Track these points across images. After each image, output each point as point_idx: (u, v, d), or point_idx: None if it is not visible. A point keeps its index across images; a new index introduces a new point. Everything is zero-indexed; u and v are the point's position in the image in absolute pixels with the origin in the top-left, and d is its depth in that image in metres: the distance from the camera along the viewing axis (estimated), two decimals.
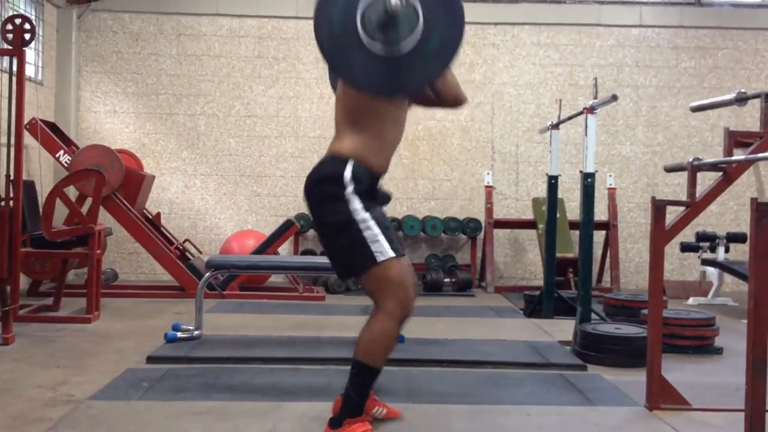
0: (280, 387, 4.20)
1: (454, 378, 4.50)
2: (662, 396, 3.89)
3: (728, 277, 8.29)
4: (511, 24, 9.57)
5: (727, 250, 7.89)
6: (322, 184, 3.20)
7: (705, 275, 8.24)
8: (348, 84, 3.14)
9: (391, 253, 3.14)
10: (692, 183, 4.15)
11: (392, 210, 9.16)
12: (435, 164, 9.45)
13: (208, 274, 5.66)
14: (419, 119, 9.40)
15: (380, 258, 3.12)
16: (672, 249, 8.21)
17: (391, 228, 3.28)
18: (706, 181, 4.52)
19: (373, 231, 3.13)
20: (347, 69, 3.04)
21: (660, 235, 3.95)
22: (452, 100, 3.45)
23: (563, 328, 5.98)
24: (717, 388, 4.44)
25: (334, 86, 3.50)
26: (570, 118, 6.55)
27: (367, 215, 3.13)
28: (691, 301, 8.08)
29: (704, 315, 5.67)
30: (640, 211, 9.53)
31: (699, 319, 5.53)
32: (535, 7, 9.61)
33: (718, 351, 5.43)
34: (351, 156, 3.17)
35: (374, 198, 3.24)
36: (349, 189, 3.13)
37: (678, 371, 4.58)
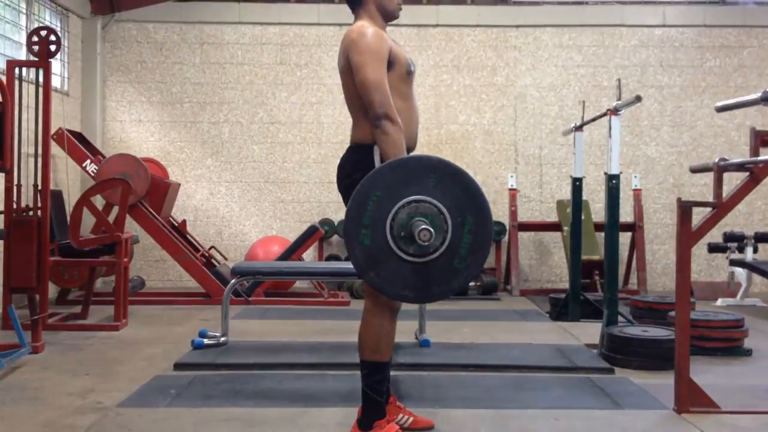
0: (306, 393, 4.21)
1: (480, 382, 4.49)
2: (691, 399, 3.86)
3: (757, 278, 8.20)
4: (533, 26, 9.53)
5: (755, 251, 7.80)
6: (354, 173, 3.21)
7: (733, 276, 8.15)
8: (387, 297, 3.10)
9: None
10: (718, 183, 4.11)
11: None
12: None
13: (233, 280, 5.69)
14: (441, 123, 9.40)
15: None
16: (699, 250, 8.13)
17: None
18: (733, 180, 4.48)
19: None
20: (385, 282, 2.98)
21: (687, 236, 3.92)
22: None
23: (590, 331, 5.94)
24: (746, 390, 4.39)
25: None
26: (594, 119, 6.51)
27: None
28: (719, 302, 7.99)
29: (733, 316, 5.60)
30: (666, 212, 9.45)
31: (727, 320, 5.47)
32: (557, 9, 9.58)
33: (748, 352, 5.37)
34: (372, 143, 3.22)
35: None
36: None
37: (707, 374, 4.54)
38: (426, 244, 2.87)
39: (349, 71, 3.27)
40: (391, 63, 3.28)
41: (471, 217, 2.96)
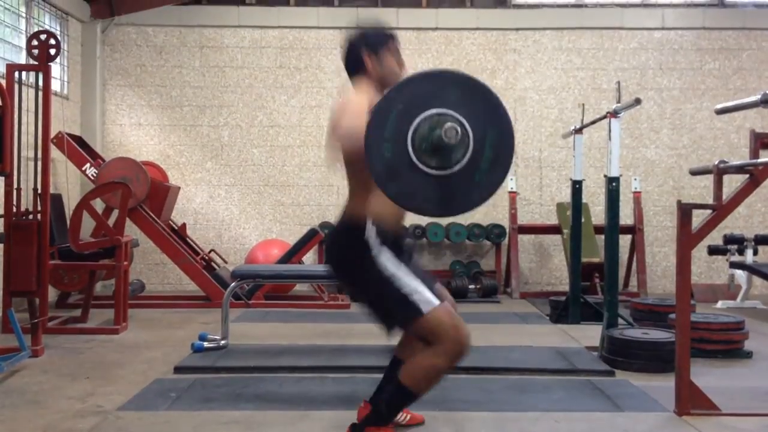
0: (306, 396, 4.21)
1: (481, 385, 4.49)
2: (692, 401, 3.85)
3: (757, 280, 8.19)
4: (532, 29, 9.54)
5: (755, 253, 7.79)
6: (347, 250, 3.16)
7: (733, 278, 8.15)
8: (407, 209, 3.06)
9: (435, 302, 3.05)
10: (718, 186, 4.11)
11: (416, 218, 9.15)
12: None
13: (233, 283, 5.69)
14: None
15: (425, 308, 3.02)
16: (699, 252, 8.13)
17: (429, 278, 3.20)
18: (732, 183, 4.48)
19: (410, 284, 3.05)
20: (405, 196, 2.92)
21: (687, 238, 3.92)
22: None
23: (590, 334, 5.94)
24: (747, 392, 4.39)
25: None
26: (593, 122, 6.52)
27: (400, 269, 3.07)
28: (719, 304, 7.99)
29: (733, 318, 5.60)
30: (666, 214, 9.45)
31: (728, 322, 5.47)
32: (556, 12, 9.59)
33: (748, 355, 5.37)
34: (369, 217, 3.13)
35: (402, 252, 3.18)
36: (375, 249, 3.08)
37: (707, 376, 4.54)
38: (453, 143, 2.79)
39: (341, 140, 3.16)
40: None
41: (493, 132, 2.89)
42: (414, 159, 2.85)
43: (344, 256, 3.19)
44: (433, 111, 2.84)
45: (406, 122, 2.84)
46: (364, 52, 3.30)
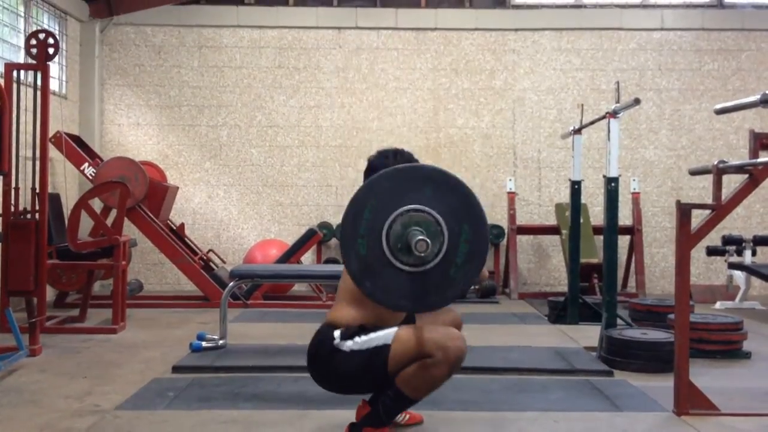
0: (305, 395, 4.20)
1: (479, 385, 4.48)
2: (690, 401, 3.85)
3: (755, 281, 8.20)
4: (531, 30, 9.54)
5: (754, 254, 7.80)
6: (317, 353, 3.26)
7: (732, 279, 8.15)
8: (382, 306, 3.10)
9: (394, 329, 3.14)
10: (717, 186, 4.11)
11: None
12: (457, 171, 9.34)
13: (231, 283, 5.68)
14: (440, 127, 9.40)
15: (389, 338, 3.11)
16: (698, 253, 8.12)
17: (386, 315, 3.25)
18: (731, 183, 4.47)
19: (368, 337, 3.14)
20: (380, 292, 3.00)
21: (685, 239, 3.91)
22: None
23: (589, 334, 5.94)
24: (746, 392, 4.39)
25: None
26: (592, 122, 6.52)
27: (356, 339, 3.15)
28: (718, 305, 7.98)
29: (732, 319, 5.60)
30: (664, 215, 9.45)
31: (726, 323, 5.47)
32: (555, 12, 9.59)
33: (747, 355, 5.37)
34: (344, 326, 3.21)
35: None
36: (337, 340, 3.17)
37: (706, 376, 4.54)
38: (423, 254, 2.87)
39: None
40: None
41: (467, 226, 2.96)
42: (389, 256, 2.92)
43: (315, 361, 3.29)
44: (408, 207, 2.92)
45: (381, 219, 2.92)
46: None
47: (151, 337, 6.00)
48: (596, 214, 8.85)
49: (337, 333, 3.19)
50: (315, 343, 3.29)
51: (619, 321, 5.72)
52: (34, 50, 5.46)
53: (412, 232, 2.88)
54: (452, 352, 3.07)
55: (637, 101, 5.26)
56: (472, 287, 8.50)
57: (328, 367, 3.24)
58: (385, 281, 2.96)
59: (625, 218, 8.76)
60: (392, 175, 2.99)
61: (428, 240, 2.86)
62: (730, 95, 9.21)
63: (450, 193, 2.97)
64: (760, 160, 4.12)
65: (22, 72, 5.64)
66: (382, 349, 3.11)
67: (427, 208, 2.93)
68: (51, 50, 5.47)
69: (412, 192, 2.94)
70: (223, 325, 5.48)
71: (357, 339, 3.15)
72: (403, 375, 3.12)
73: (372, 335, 3.14)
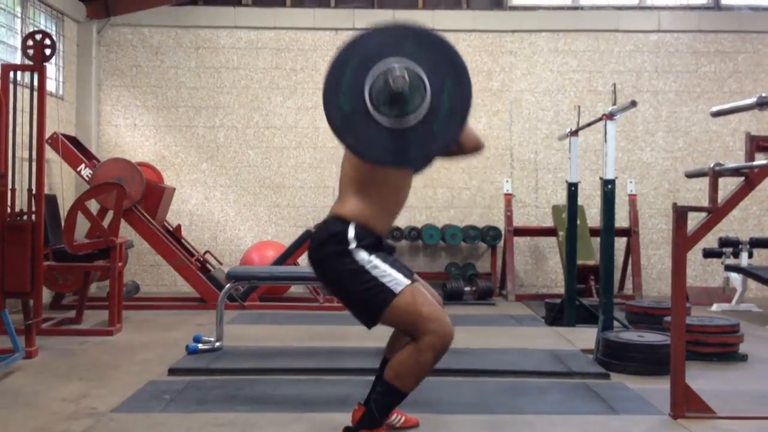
0: (301, 398, 4.20)
1: (476, 388, 4.48)
2: (687, 404, 3.85)
3: (752, 283, 8.21)
4: (528, 31, 9.55)
5: (750, 256, 7.80)
6: (327, 244, 3.19)
7: (728, 281, 8.15)
8: (365, 160, 3.09)
9: (406, 281, 3.11)
10: (714, 188, 4.11)
11: (412, 219, 9.16)
12: (454, 173, 9.43)
13: (228, 285, 5.68)
14: None
15: (398, 288, 3.08)
16: (694, 255, 8.13)
17: (399, 262, 3.25)
18: (728, 186, 4.48)
19: (381, 268, 3.11)
20: (363, 146, 3.00)
21: (682, 241, 3.92)
22: (472, 149, 3.37)
23: (585, 337, 5.94)
24: (742, 395, 4.39)
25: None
26: (589, 124, 6.52)
27: (372, 257, 3.12)
28: (714, 307, 7.99)
29: (728, 321, 5.60)
30: (661, 217, 9.46)
31: (723, 325, 5.47)
32: (552, 14, 9.60)
33: (743, 358, 5.37)
34: (353, 219, 3.17)
35: (381, 249, 3.21)
36: (353, 245, 3.12)
37: (702, 379, 4.54)
38: (400, 90, 2.83)
39: None
40: None
41: (450, 81, 2.93)
42: (371, 110, 2.89)
43: (323, 251, 3.22)
44: (389, 62, 2.88)
45: (362, 75, 2.89)
46: None
47: (147, 339, 5.99)
48: (593, 215, 8.85)
49: (351, 232, 3.13)
50: (325, 234, 3.23)
51: (615, 323, 5.72)
52: (30, 51, 5.44)
53: (391, 72, 2.85)
54: (442, 341, 3.10)
55: (633, 103, 5.27)
56: (469, 288, 8.51)
57: (332, 265, 3.18)
58: (367, 136, 2.94)
59: (621, 220, 8.76)
60: (373, 33, 2.98)
61: (406, 74, 2.84)
62: (726, 97, 9.21)
63: (432, 49, 2.95)
64: (756, 162, 4.12)
65: (18, 73, 5.63)
66: (387, 295, 3.07)
67: (409, 62, 2.89)
68: (48, 51, 5.46)
69: (393, 48, 2.91)
70: (220, 326, 5.48)
71: (372, 258, 3.11)
72: (391, 365, 3.14)
73: (386, 268, 3.10)
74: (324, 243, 3.21)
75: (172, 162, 9.41)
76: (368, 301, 3.14)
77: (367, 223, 3.17)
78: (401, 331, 3.27)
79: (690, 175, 5.19)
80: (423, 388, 4.40)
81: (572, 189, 6.91)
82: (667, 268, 8.82)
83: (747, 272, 7.04)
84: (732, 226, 9.05)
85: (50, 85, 8.29)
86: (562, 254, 8.27)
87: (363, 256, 3.11)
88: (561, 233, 8.32)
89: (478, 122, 9.45)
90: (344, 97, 2.90)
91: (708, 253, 8.05)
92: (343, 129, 2.94)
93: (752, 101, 3.80)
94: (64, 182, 8.11)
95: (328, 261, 3.19)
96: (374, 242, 3.18)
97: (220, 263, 8.81)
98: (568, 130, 6.97)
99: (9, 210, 5.27)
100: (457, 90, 2.94)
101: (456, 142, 3.15)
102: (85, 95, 9.21)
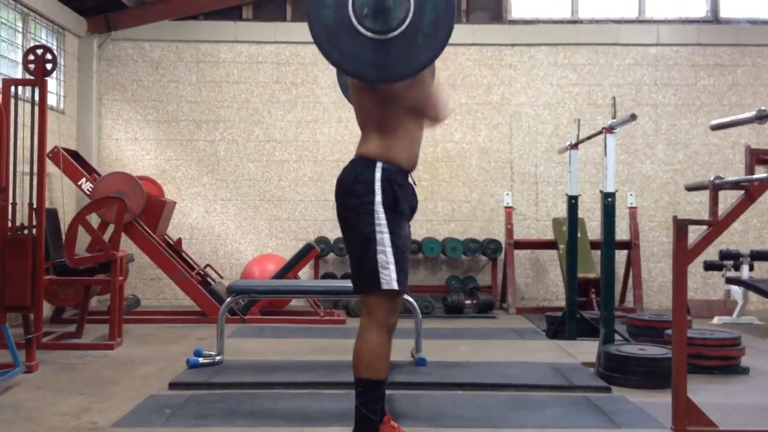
0: (302, 412, 4.19)
1: (477, 401, 4.47)
2: (688, 418, 3.83)
3: (753, 296, 8.19)
4: (528, 45, 9.58)
5: (751, 269, 7.78)
6: (354, 186, 3.22)
7: (729, 294, 8.14)
8: (349, 75, 3.15)
9: (395, 285, 3.17)
10: (714, 202, 4.11)
11: (412, 232, 9.14)
12: (454, 186, 9.44)
13: (229, 299, 5.67)
14: (437, 141, 9.42)
15: (384, 286, 3.16)
16: (695, 268, 8.12)
17: (408, 259, 3.30)
18: (728, 198, 4.48)
19: (387, 257, 3.15)
20: (348, 61, 3.03)
21: (683, 254, 3.91)
22: (432, 116, 3.37)
23: (586, 350, 5.92)
24: (744, 408, 4.38)
25: (346, 94, 3.53)
26: (589, 137, 6.53)
27: (387, 237, 3.14)
28: (715, 320, 7.98)
29: (730, 334, 5.60)
30: (662, 230, 9.46)
31: (724, 338, 5.46)
32: (552, 28, 9.63)
33: (745, 371, 5.36)
34: (378, 157, 3.21)
35: (401, 210, 3.24)
36: (378, 198, 3.15)
37: (704, 392, 4.53)
38: (383, 4, 2.86)
39: (364, 89, 3.23)
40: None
41: None
42: (355, 23, 2.92)
43: (350, 189, 3.23)
44: None
45: None
46: None
47: (148, 353, 5.98)
48: (593, 228, 8.84)
49: (378, 173, 3.18)
50: (351, 177, 3.25)
51: (616, 336, 5.71)
52: (31, 66, 5.46)
53: None
54: (389, 324, 3.24)
55: (633, 117, 5.28)
56: (470, 301, 8.51)
57: (352, 219, 3.23)
58: (351, 50, 2.95)
59: (622, 233, 8.77)
60: None
61: None
62: (726, 110, 9.23)
63: None
64: (756, 176, 4.12)
65: (19, 87, 5.65)
66: (374, 282, 3.17)
67: None
68: (49, 66, 5.48)
69: None
70: (221, 340, 5.47)
71: (386, 238, 3.16)
72: (357, 361, 3.24)
73: (390, 260, 3.16)
74: (351, 186, 3.23)
75: (172, 176, 9.43)
76: (358, 271, 3.26)
77: (393, 158, 3.21)
78: (362, 303, 3.35)
79: (690, 188, 5.17)
80: (424, 402, 4.41)
81: (572, 202, 6.92)
82: (668, 281, 8.81)
83: (748, 285, 7.00)
84: (733, 238, 9.05)
85: (51, 100, 8.33)
86: (562, 267, 8.26)
87: (383, 224, 3.16)
88: (561, 246, 8.31)
89: (478, 135, 9.49)
90: (328, 10, 2.94)
91: (709, 266, 8.03)
92: (328, 43, 2.98)
93: (751, 114, 3.80)
94: (65, 196, 8.13)
95: (352, 208, 3.23)
96: (400, 187, 3.22)
97: (221, 277, 8.81)
98: (568, 143, 6.98)
99: (10, 224, 5.27)
100: (441, 2, 2.99)
101: (437, 56, 3.11)
102: (86, 109, 9.24)
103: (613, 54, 9.59)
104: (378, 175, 3.18)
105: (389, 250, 3.16)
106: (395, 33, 2.93)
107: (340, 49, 2.96)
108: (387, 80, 3.11)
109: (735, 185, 4.23)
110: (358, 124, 3.37)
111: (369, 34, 2.92)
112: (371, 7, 2.89)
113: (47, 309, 6.98)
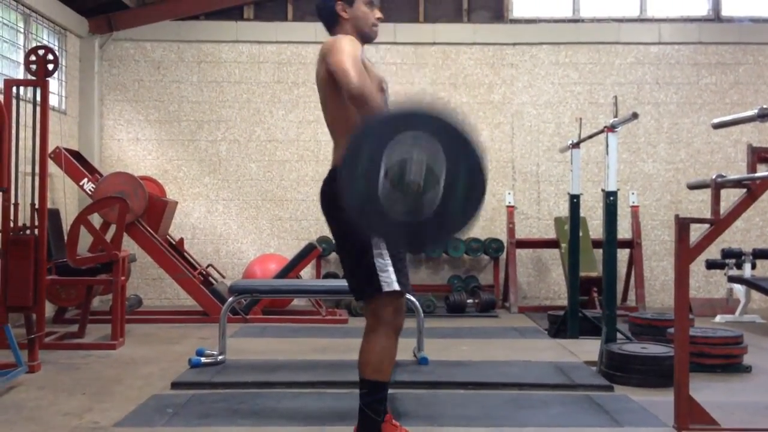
0: (304, 411, 4.19)
1: (479, 400, 4.47)
2: (691, 416, 3.83)
3: (755, 294, 8.18)
4: (529, 44, 9.57)
5: (753, 267, 7.79)
6: (337, 197, 3.15)
7: (732, 292, 8.14)
8: (390, 248, 3.18)
9: (397, 287, 3.20)
10: (716, 200, 4.11)
11: None
12: None
13: (231, 298, 5.67)
14: None
15: (386, 288, 3.19)
16: (697, 266, 8.09)
17: (405, 260, 3.31)
18: (730, 197, 4.47)
19: (384, 260, 3.19)
20: (380, 233, 3.07)
21: (685, 253, 3.91)
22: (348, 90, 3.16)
23: (588, 349, 5.92)
24: (746, 407, 4.38)
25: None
26: (591, 136, 6.53)
27: (382, 241, 3.17)
28: (718, 318, 7.97)
29: (732, 333, 5.59)
30: (664, 228, 9.45)
31: (726, 337, 5.46)
32: (553, 27, 9.63)
33: (747, 369, 5.36)
34: None
35: None
36: None
37: (706, 390, 4.53)
38: (416, 181, 2.81)
39: (329, 81, 3.24)
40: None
41: (465, 172, 2.92)
42: (387, 197, 2.86)
43: (334, 201, 3.18)
44: (406, 148, 2.85)
45: (378, 161, 2.85)
46: (338, 4, 3.41)
47: (150, 353, 5.98)
48: (595, 227, 8.84)
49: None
50: (333, 190, 3.20)
51: (619, 335, 5.71)
52: (33, 66, 5.47)
53: (408, 165, 2.83)
54: (396, 326, 3.27)
55: (635, 115, 5.27)
56: (472, 300, 8.50)
57: (342, 226, 3.24)
58: (384, 222, 2.95)
59: (624, 232, 8.77)
60: (390, 116, 2.99)
61: (420, 177, 2.81)
62: (728, 108, 9.22)
63: (449, 134, 2.92)
64: (758, 174, 4.12)
65: (21, 88, 5.65)
66: (374, 286, 3.21)
67: (424, 149, 2.85)
68: (50, 66, 5.49)
69: (410, 136, 2.87)
70: (223, 340, 5.47)
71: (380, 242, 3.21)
72: (365, 362, 3.22)
73: (388, 263, 3.20)
74: (335, 201, 3.17)
75: (174, 176, 9.43)
76: (356, 279, 3.31)
77: None
78: (365, 310, 3.38)
79: (692, 187, 5.17)
80: (426, 401, 4.41)
81: (574, 201, 6.91)
82: (670, 280, 8.80)
83: (750, 283, 7.00)
84: (735, 237, 9.04)
85: (53, 100, 8.34)
86: (564, 266, 8.26)
87: None
88: (563, 245, 8.31)
89: (479, 134, 9.45)
90: (359, 182, 2.88)
91: (711, 265, 8.03)
92: (359, 214, 2.96)
93: (753, 113, 3.80)
94: (67, 196, 8.13)
95: (342, 223, 3.21)
96: None
97: (223, 276, 8.81)
98: (570, 142, 6.98)
99: (12, 224, 5.28)
100: (472, 178, 2.94)
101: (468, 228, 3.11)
102: (87, 110, 9.24)
103: (615, 53, 9.58)
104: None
105: (385, 252, 3.19)
106: (426, 206, 2.90)
107: (370, 220, 2.97)
108: (419, 252, 3.25)
109: (737, 184, 4.23)
110: (328, 128, 3.39)
111: (400, 208, 2.90)
112: (403, 183, 2.83)
113: (49, 309, 6.99)
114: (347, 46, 3.18)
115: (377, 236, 3.09)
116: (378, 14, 3.47)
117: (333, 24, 3.47)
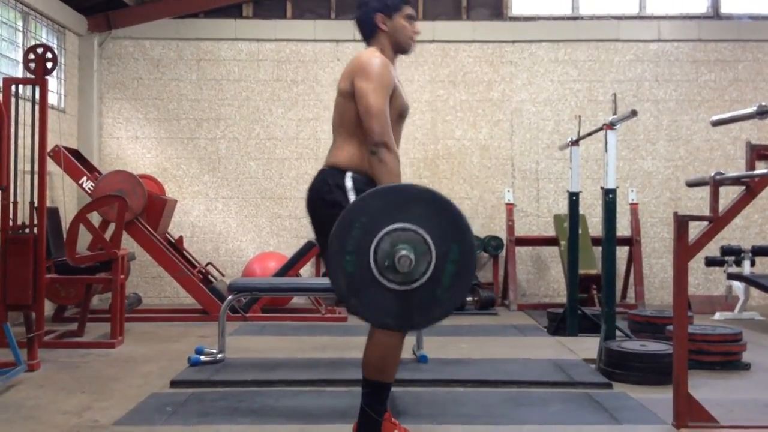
0: (303, 410, 4.19)
1: (478, 398, 4.47)
2: (690, 414, 3.84)
3: (754, 291, 8.20)
4: (528, 41, 9.57)
5: (752, 264, 7.79)
6: (327, 196, 3.26)
7: (731, 290, 8.14)
8: (369, 323, 3.13)
9: None
10: (715, 198, 4.11)
11: None
12: (455, 183, 9.44)
13: (230, 297, 5.67)
14: (438, 138, 9.42)
15: None
16: (697, 263, 8.12)
17: None
18: (729, 194, 4.48)
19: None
20: (367, 309, 3.02)
21: (683, 250, 3.91)
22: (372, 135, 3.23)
23: (588, 346, 5.92)
24: (745, 404, 4.38)
25: None
26: (590, 134, 6.53)
27: None
28: (717, 316, 7.97)
29: (731, 330, 5.59)
30: (663, 225, 9.45)
31: (726, 334, 5.46)
32: (552, 24, 9.62)
33: (746, 366, 5.36)
34: (348, 167, 3.26)
35: None
36: (350, 196, 3.19)
37: (705, 388, 4.53)
38: (405, 271, 2.87)
39: (349, 94, 3.28)
40: (391, 99, 3.28)
41: (455, 247, 2.96)
42: (375, 274, 2.92)
43: (322, 198, 3.27)
44: (396, 226, 2.91)
45: (369, 237, 2.91)
46: (378, 16, 3.41)
47: (149, 351, 5.99)
48: (595, 224, 8.85)
49: (348, 183, 3.23)
50: (323, 187, 3.29)
51: (618, 332, 5.71)
52: (32, 65, 5.46)
53: (398, 249, 2.89)
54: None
55: (634, 113, 5.27)
56: (471, 298, 8.51)
57: (327, 224, 3.16)
58: (371, 299, 2.97)
59: (623, 229, 8.77)
60: (382, 193, 3.01)
61: (411, 256, 2.87)
62: (727, 106, 9.23)
63: (439, 213, 2.97)
64: (757, 171, 4.12)
65: (20, 86, 5.65)
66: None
67: (415, 227, 2.92)
68: (49, 65, 5.48)
69: (401, 210, 2.94)
70: (222, 338, 5.48)
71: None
72: (368, 363, 3.18)
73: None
74: (325, 199, 3.27)
75: (173, 174, 9.43)
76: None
77: (362, 168, 3.24)
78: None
79: (691, 184, 5.17)
80: (426, 399, 4.42)
81: (573, 198, 6.91)
82: (670, 277, 8.80)
83: (749, 280, 7.00)
84: (734, 234, 9.05)
85: (52, 99, 8.33)
86: (564, 263, 8.26)
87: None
88: (563, 242, 8.31)
89: (479, 132, 9.48)
90: (350, 257, 2.92)
91: (710, 262, 8.04)
92: (347, 290, 2.97)
93: (752, 110, 3.80)
94: (66, 195, 8.13)
95: (328, 214, 3.19)
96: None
97: (222, 275, 8.81)
98: (569, 139, 6.98)
99: (11, 223, 5.28)
100: (462, 256, 2.96)
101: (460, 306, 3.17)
102: (86, 108, 9.24)
103: (614, 50, 9.58)
104: (349, 184, 3.22)
105: None
106: (415, 285, 2.93)
107: (359, 297, 2.97)
108: (405, 329, 3.17)
109: (736, 181, 4.23)
110: (333, 128, 3.40)
111: (390, 285, 2.93)
112: (392, 261, 2.89)
113: (49, 307, 6.99)
114: (379, 75, 3.22)
115: (365, 310, 3.03)
116: (416, 28, 3.50)
117: (371, 35, 3.48)
